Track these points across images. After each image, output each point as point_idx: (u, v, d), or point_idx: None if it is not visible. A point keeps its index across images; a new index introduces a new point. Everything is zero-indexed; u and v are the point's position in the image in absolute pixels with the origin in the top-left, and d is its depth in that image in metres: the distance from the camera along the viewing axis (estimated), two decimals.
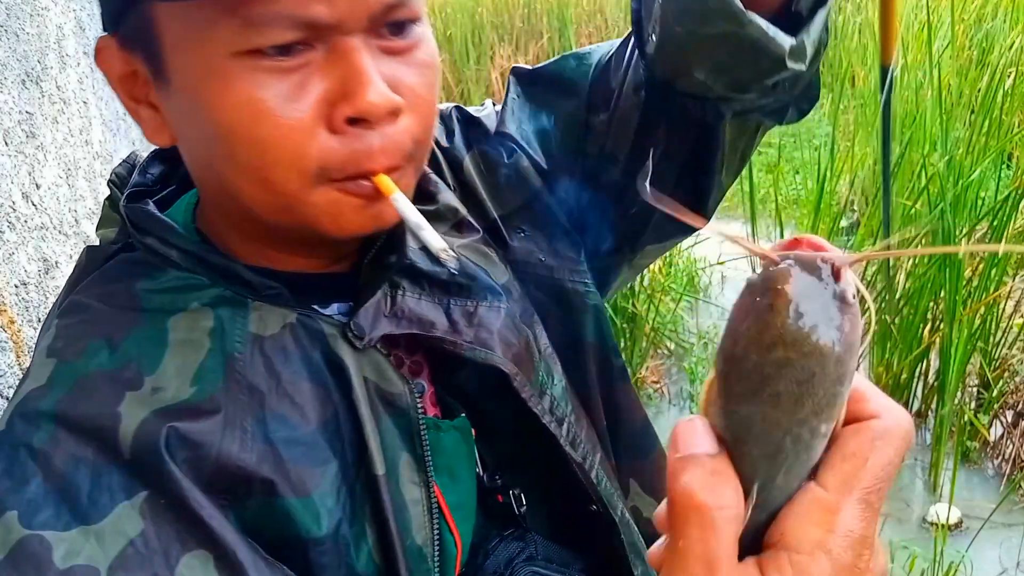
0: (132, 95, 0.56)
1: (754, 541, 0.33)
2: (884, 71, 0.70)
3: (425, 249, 0.56)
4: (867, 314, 0.31)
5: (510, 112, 0.74)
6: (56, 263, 1.04)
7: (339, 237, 0.55)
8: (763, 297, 0.30)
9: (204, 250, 0.58)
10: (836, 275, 0.30)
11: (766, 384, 0.30)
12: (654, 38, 0.61)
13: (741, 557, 0.32)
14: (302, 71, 0.50)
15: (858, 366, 0.32)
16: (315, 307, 0.60)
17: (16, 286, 0.93)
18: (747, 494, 0.32)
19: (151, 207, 0.60)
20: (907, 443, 0.33)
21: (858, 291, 0.31)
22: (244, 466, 0.52)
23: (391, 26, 0.52)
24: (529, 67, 0.76)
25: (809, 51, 0.58)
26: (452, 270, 0.57)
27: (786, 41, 0.56)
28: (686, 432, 0.33)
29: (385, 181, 0.52)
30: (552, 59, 0.76)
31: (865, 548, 0.32)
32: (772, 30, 0.55)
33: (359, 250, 0.62)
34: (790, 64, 0.57)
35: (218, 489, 0.51)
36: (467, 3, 5.55)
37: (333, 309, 0.61)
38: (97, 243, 0.64)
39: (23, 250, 0.95)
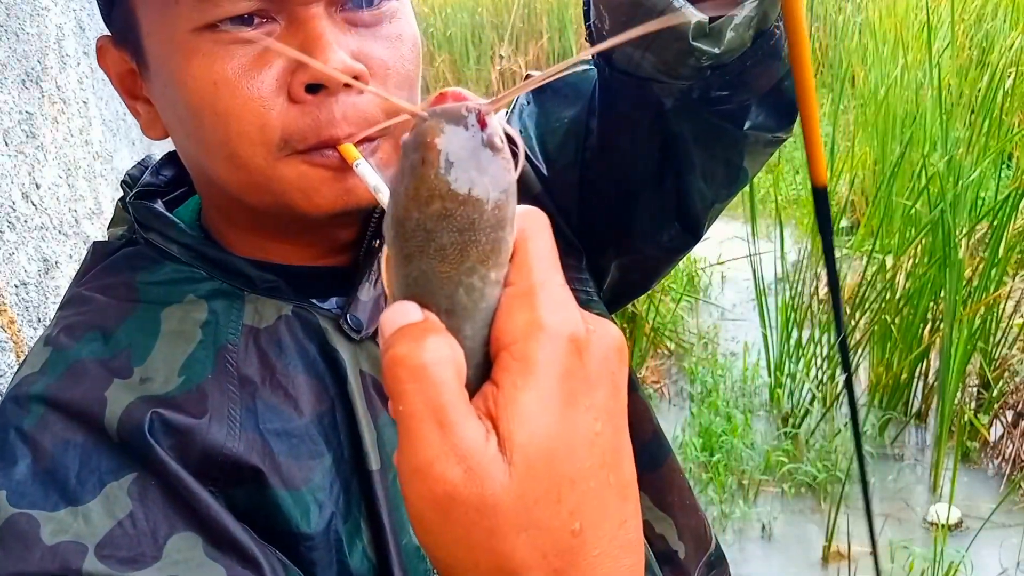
0: (130, 92, 0.58)
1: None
2: (817, 192, 0.65)
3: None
4: (518, 157, 0.32)
5: (516, 115, 0.74)
6: (56, 263, 1.04)
7: (315, 215, 0.54)
8: (414, 153, 0.30)
9: (203, 244, 0.58)
10: (482, 123, 0.30)
11: (430, 239, 0.30)
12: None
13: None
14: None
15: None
16: (313, 300, 0.60)
17: (16, 286, 0.93)
18: None
19: (158, 205, 0.60)
20: (545, 221, 0.34)
21: (507, 135, 0.31)
22: (231, 454, 0.51)
23: None
24: (540, 72, 0.76)
25: (729, 35, 0.55)
26: None
27: (693, 16, 0.53)
28: (387, 316, 0.32)
29: (349, 149, 0.51)
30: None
31: (573, 309, 0.32)
32: (679, 2, 0.53)
33: (358, 242, 0.62)
34: (696, 43, 0.54)
35: (206, 476, 0.51)
36: (467, 3, 5.55)
37: (332, 303, 0.61)
38: (105, 239, 0.65)
39: (23, 250, 0.95)
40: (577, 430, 0.31)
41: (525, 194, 0.71)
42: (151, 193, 0.62)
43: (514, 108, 0.75)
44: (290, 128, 0.51)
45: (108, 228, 0.65)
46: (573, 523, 0.31)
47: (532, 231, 0.33)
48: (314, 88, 0.50)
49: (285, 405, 0.55)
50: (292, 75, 0.50)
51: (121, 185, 0.65)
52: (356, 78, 0.50)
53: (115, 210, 0.65)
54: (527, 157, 0.71)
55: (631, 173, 0.68)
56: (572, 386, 0.31)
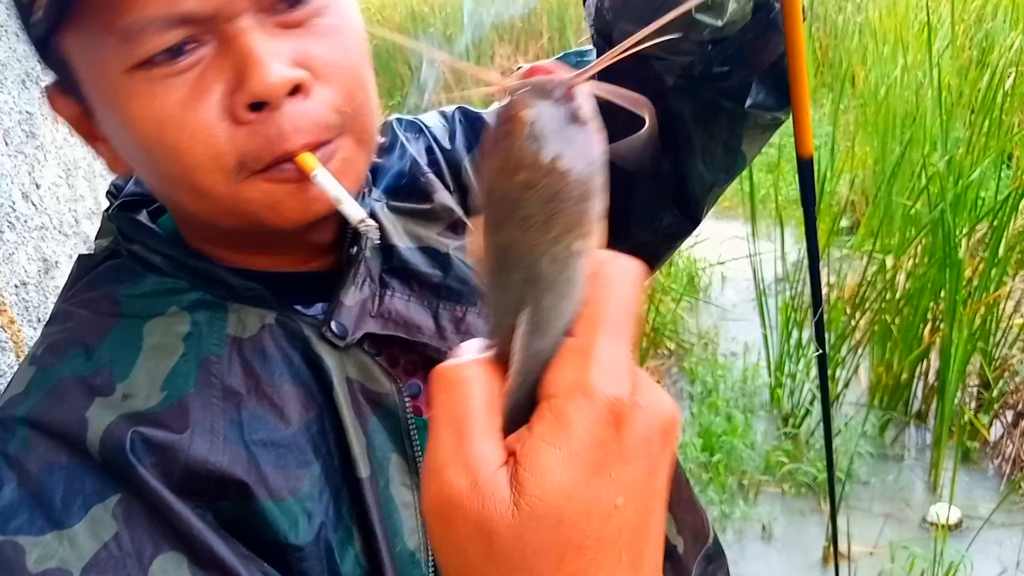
0: (87, 134, 0.56)
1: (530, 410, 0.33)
2: (802, 163, 0.65)
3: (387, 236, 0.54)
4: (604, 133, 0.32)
5: None
6: (56, 263, 1.04)
7: (287, 228, 0.53)
8: (502, 126, 0.31)
9: (185, 254, 0.58)
10: (568, 96, 0.31)
11: (516, 209, 0.31)
12: None
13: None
14: (197, 69, 0.49)
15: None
16: (298, 307, 0.59)
17: (16, 286, 0.93)
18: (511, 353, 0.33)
19: (142, 215, 0.60)
20: (636, 275, 0.34)
21: (596, 108, 0.32)
22: (215, 468, 0.51)
23: None
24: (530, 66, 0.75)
25: (731, 7, 0.55)
26: (374, 240, 0.54)
27: None
28: (466, 347, 0.35)
29: (306, 159, 0.50)
30: (555, 57, 0.74)
31: (625, 379, 0.32)
32: None
33: (339, 243, 0.61)
34: (699, 16, 0.54)
35: (191, 492, 0.50)
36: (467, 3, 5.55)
37: (317, 309, 0.60)
38: (92, 252, 0.64)
39: (23, 250, 0.95)
40: (597, 500, 0.31)
41: None
42: (135, 203, 0.62)
43: None
44: (243, 151, 0.50)
45: (95, 239, 0.64)
46: None
47: (615, 282, 0.33)
48: (257, 106, 0.49)
49: (271, 415, 0.55)
50: (232, 97, 0.49)
51: (107, 195, 0.64)
52: (298, 87, 0.49)
53: (101, 221, 0.64)
54: None
55: (629, 157, 0.68)
56: (601, 456, 0.31)
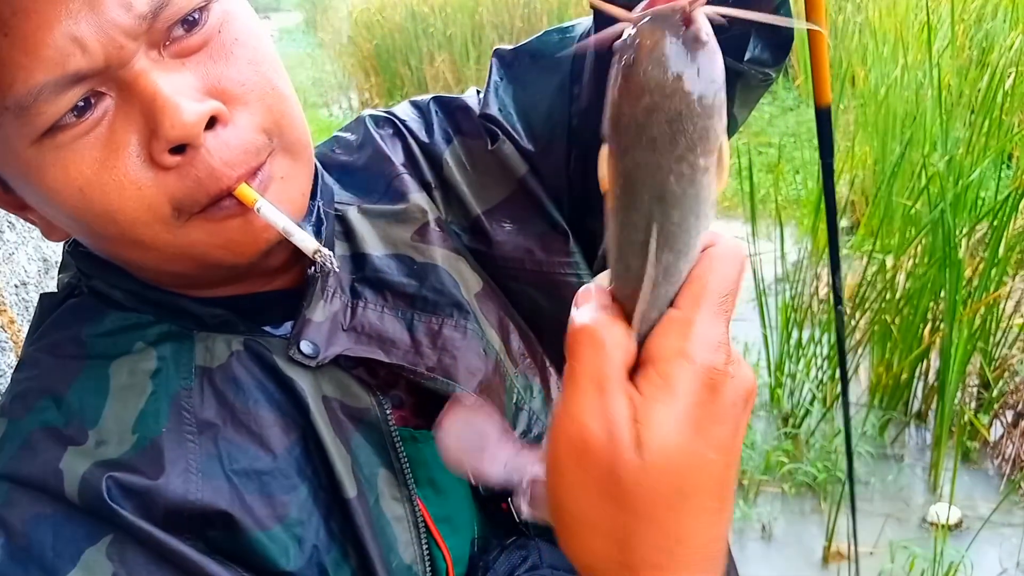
0: (14, 206, 0.54)
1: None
2: (821, 113, 0.65)
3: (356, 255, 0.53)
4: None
5: (493, 94, 0.70)
6: (56, 263, 1.04)
7: (243, 263, 0.52)
8: (626, 53, 0.33)
9: (146, 288, 0.56)
10: (687, 21, 0.32)
11: (642, 132, 0.33)
12: None
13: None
14: (104, 124, 0.46)
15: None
16: (267, 328, 0.58)
17: (16, 286, 0.93)
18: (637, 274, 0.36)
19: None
20: (740, 259, 0.38)
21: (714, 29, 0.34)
22: (197, 504, 0.50)
23: (180, 25, 0.47)
24: (511, 46, 0.72)
25: None
26: (332, 268, 0.52)
27: None
28: (585, 291, 0.38)
29: (245, 192, 0.48)
30: (535, 35, 0.72)
31: (721, 350, 0.36)
32: None
33: (299, 258, 0.58)
34: None
35: (177, 529, 0.49)
36: (467, 3, 5.55)
37: (286, 328, 0.58)
38: (54, 290, 0.62)
39: (23, 250, 0.95)
40: (696, 454, 0.36)
41: (510, 176, 0.68)
42: None
43: (489, 87, 0.71)
44: (176, 196, 0.47)
45: (58, 273, 0.63)
46: (679, 530, 0.36)
47: (719, 262, 0.37)
48: (178, 149, 0.46)
49: (250, 443, 0.53)
50: (149, 146, 0.46)
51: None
52: (215, 119, 0.47)
53: (63, 255, 0.62)
54: (510, 136, 0.68)
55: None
56: (701, 416, 0.36)
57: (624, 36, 0.33)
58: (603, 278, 0.39)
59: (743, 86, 0.65)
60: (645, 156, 0.33)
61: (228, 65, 0.48)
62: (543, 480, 0.40)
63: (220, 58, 0.48)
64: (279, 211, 0.49)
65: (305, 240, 0.50)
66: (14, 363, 0.89)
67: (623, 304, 0.38)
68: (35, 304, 0.96)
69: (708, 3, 0.32)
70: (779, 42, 0.62)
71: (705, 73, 0.33)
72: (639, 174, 0.34)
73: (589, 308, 0.37)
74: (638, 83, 0.32)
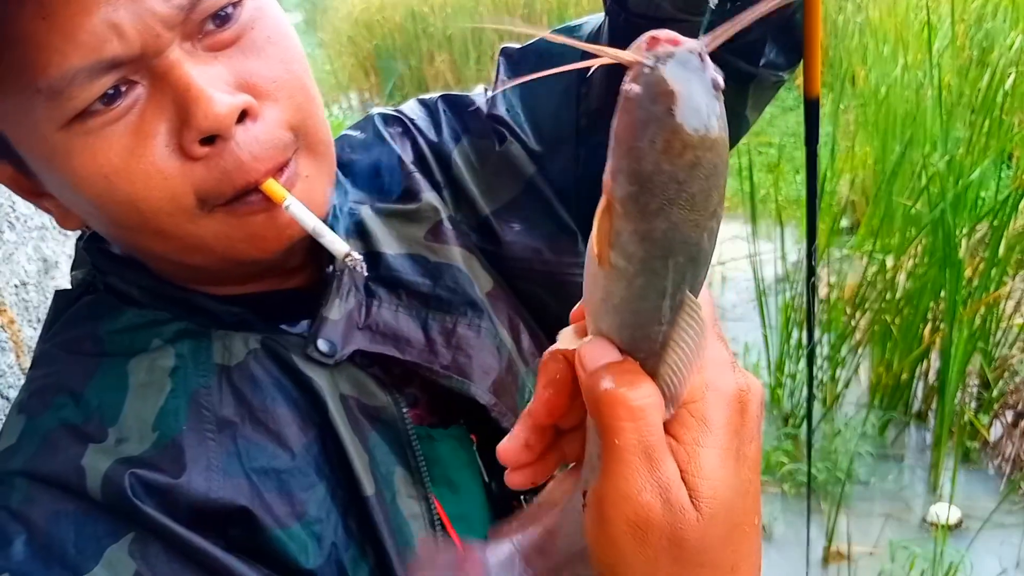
0: (30, 192, 0.54)
1: None
2: (809, 104, 0.64)
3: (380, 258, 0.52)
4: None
5: (501, 93, 0.70)
6: (56, 263, 1.03)
7: (266, 258, 0.52)
8: (655, 104, 0.29)
9: (162, 284, 0.56)
10: (704, 63, 0.30)
11: (682, 189, 0.30)
12: None
13: None
14: (135, 112, 0.46)
15: None
16: (283, 326, 0.58)
17: (16, 286, 0.93)
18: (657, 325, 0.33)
19: (114, 245, 0.58)
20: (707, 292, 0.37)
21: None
22: (218, 501, 0.50)
23: (212, 19, 0.47)
24: (519, 45, 0.72)
25: None
26: (363, 272, 0.51)
27: None
28: (591, 350, 0.35)
29: (273, 188, 0.48)
30: (552, 29, 0.71)
31: (735, 368, 0.36)
32: None
33: (314, 259, 0.59)
34: None
35: (200, 526, 0.49)
36: (467, 3, 5.55)
37: (303, 326, 0.58)
38: (69, 286, 0.62)
39: (23, 250, 0.95)
40: (741, 481, 0.35)
41: (518, 176, 0.68)
42: None
43: (496, 84, 0.71)
44: (202, 187, 0.47)
45: (71, 270, 0.63)
46: (734, 561, 0.36)
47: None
48: (208, 140, 0.46)
49: (269, 441, 0.53)
50: (180, 135, 0.46)
51: None
52: (245, 112, 0.47)
53: (76, 250, 0.62)
54: (517, 137, 0.68)
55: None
56: (738, 442, 0.35)
57: (639, 80, 0.29)
58: (571, 334, 0.37)
59: (756, 88, 0.64)
60: (682, 215, 0.30)
61: (260, 61, 0.49)
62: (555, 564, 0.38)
63: (252, 54, 0.49)
64: (308, 211, 0.49)
65: (335, 242, 0.50)
66: (14, 363, 0.89)
67: (635, 357, 0.34)
68: (35, 304, 0.96)
69: (708, 30, 0.30)
70: (793, 44, 0.61)
71: (726, 121, 0.30)
72: (673, 235, 0.31)
73: (608, 373, 0.34)
74: (680, 137, 0.29)
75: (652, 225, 0.31)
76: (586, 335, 0.36)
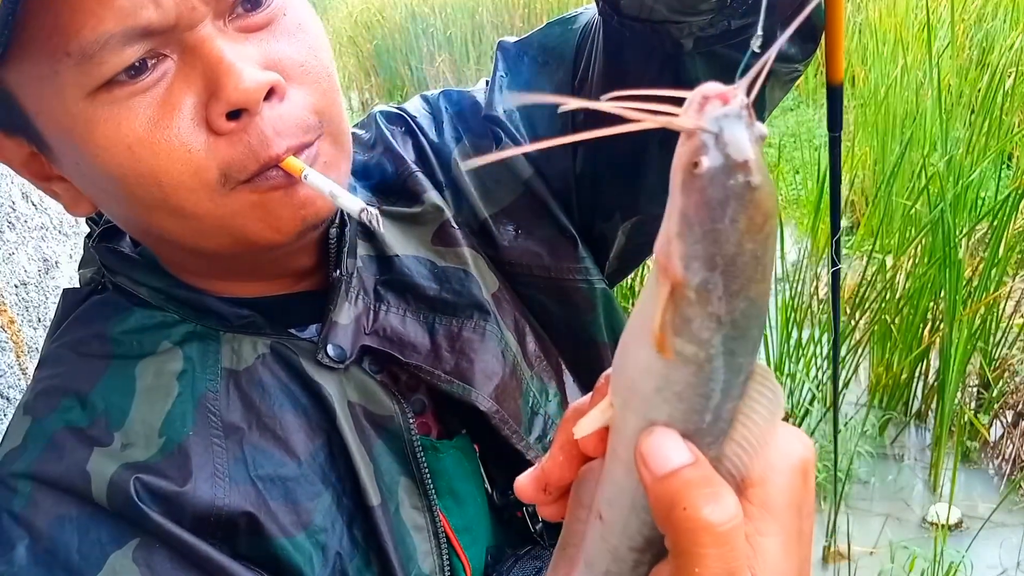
0: (40, 175, 0.53)
1: None
2: (832, 90, 0.63)
3: (365, 227, 0.51)
4: None
5: (497, 92, 0.69)
6: (56, 263, 1.03)
7: (280, 241, 0.51)
8: (731, 178, 0.26)
9: (172, 285, 0.56)
10: (751, 116, 0.27)
11: (759, 263, 0.27)
12: None
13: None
14: (162, 84, 0.46)
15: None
16: (292, 330, 0.57)
17: (16, 286, 0.93)
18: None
19: (125, 244, 0.58)
20: None
21: None
22: (224, 508, 0.50)
23: (244, 2, 0.48)
24: (515, 39, 0.71)
25: None
26: (376, 228, 0.50)
27: None
28: (655, 448, 0.29)
29: (292, 163, 0.48)
30: (538, 28, 0.71)
31: (798, 431, 0.32)
32: None
33: (323, 263, 0.59)
34: None
35: (205, 533, 0.49)
36: (467, 3, 5.55)
37: (312, 331, 0.58)
38: (76, 285, 0.62)
39: (23, 250, 0.95)
40: (800, 561, 0.32)
41: (516, 178, 0.68)
42: (117, 229, 0.59)
43: (493, 83, 0.70)
44: (225, 161, 0.47)
45: (79, 268, 0.62)
46: None
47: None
48: (235, 114, 0.46)
49: (275, 448, 0.53)
50: (207, 108, 0.46)
51: (87, 222, 0.62)
52: (273, 90, 0.47)
53: (84, 249, 0.62)
54: (513, 139, 0.67)
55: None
56: (799, 522, 0.31)
57: (705, 151, 0.26)
58: (595, 418, 0.32)
59: (772, 84, 0.64)
60: (760, 289, 0.27)
61: (289, 45, 0.50)
62: None
63: (283, 38, 0.49)
64: (324, 177, 0.49)
65: (350, 201, 0.50)
66: (14, 363, 0.89)
67: (699, 443, 0.30)
68: (35, 304, 0.96)
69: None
70: (808, 32, 0.60)
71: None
72: (751, 311, 0.28)
73: (685, 488, 0.29)
74: (763, 210, 0.26)
75: (733, 306, 0.27)
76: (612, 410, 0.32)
